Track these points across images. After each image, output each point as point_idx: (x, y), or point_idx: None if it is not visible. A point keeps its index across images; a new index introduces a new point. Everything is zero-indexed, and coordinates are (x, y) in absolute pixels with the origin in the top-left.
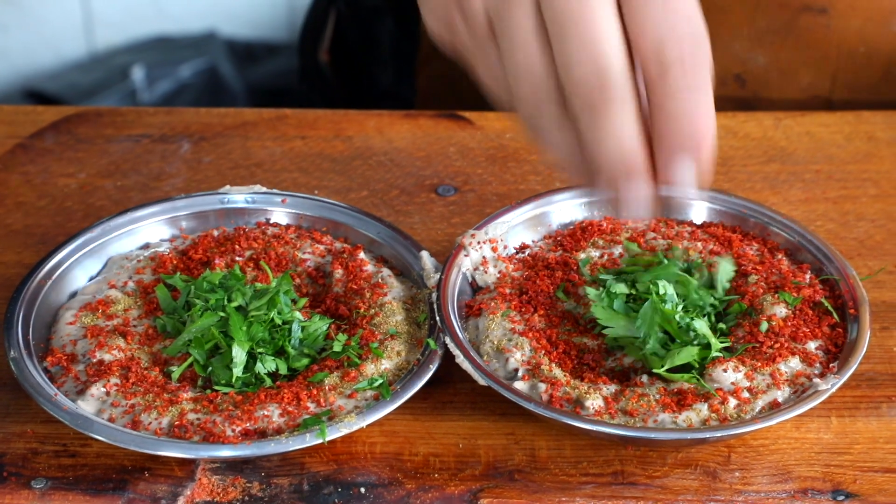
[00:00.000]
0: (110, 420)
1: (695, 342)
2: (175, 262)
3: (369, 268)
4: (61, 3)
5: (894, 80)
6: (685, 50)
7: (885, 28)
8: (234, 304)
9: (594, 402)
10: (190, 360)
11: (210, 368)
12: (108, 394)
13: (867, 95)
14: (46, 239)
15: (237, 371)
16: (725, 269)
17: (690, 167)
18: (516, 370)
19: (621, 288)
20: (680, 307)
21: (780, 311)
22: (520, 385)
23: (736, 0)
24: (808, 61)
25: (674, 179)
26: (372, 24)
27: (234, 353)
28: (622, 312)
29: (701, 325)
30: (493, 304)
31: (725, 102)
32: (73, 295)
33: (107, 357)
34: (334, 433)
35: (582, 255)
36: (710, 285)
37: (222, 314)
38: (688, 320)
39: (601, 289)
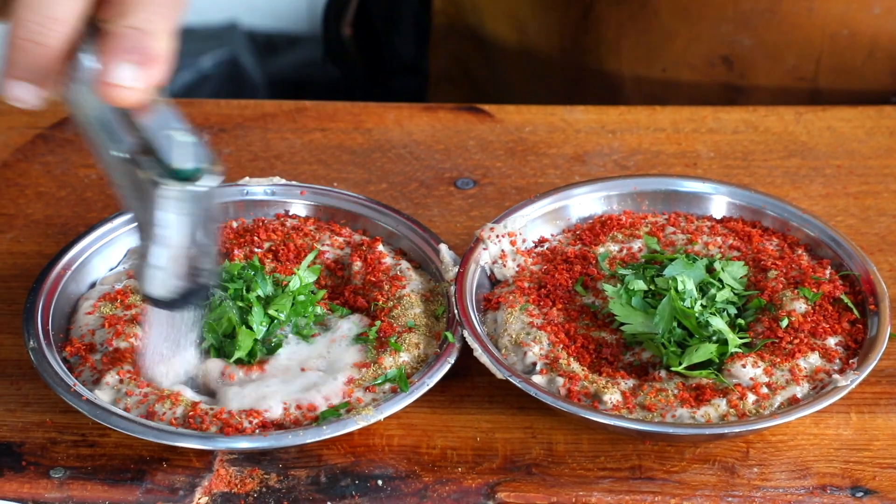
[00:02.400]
0: (126, 410)
1: (713, 338)
2: None
3: (388, 260)
4: None
5: (877, 63)
6: None
7: (866, 11)
8: (254, 293)
9: (612, 397)
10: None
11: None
12: (121, 381)
13: (851, 78)
14: (67, 229)
15: (258, 333)
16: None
17: (132, 71)
18: (534, 364)
19: (639, 284)
20: (698, 303)
21: (800, 306)
22: (538, 379)
23: None
24: (792, 44)
25: (113, 81)
26: None
27: (254, 313)
28: (640, 309)
29: (718, 322)
30: (511, 297)
31: (714, 85)
32: (93, 285)
33: (122, 345)
34: (352, 426)
35: (601, 250)
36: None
37: (241, 304)
38: (706, 316)
39: (619, 285)
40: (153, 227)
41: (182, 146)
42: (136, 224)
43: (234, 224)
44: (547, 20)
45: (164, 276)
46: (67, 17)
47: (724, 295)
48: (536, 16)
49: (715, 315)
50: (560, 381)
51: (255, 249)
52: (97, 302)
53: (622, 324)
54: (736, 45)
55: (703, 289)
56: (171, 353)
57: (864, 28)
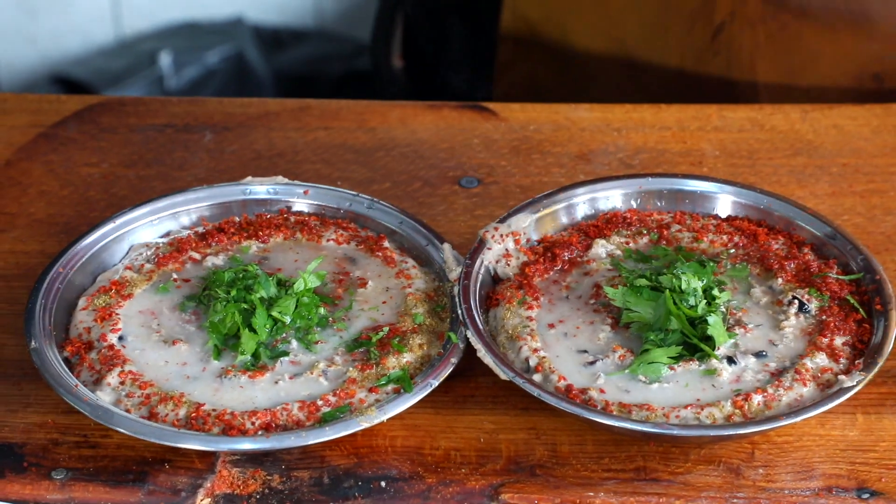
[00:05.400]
0: (127, 411)
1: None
2: (195, 244)
3: (395, 257)
4: None
5: None
6: None
7: None
8: (257, 295)
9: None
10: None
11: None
12: (122, 383)
13: None
14: (69, 228)
15: (261, 335)
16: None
17: None
18: (527, 359)
19: (643, 282)
20: (703, 302)
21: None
22: (535, 377)
23: None
24: None
25: None
26: (441, 24)
27: (257, 314)
28: (643, 299)
29: (715, 321)
30: (509, 293)
31: (864, 98)
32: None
33: (115, 341)
34: (355, 426)
35: (612, 245)
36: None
37: (245, 306)
38: (706, 313)
39: (621, 287)
40: None
41: None
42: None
43: (237, 219)
44: (665, 42)
45: None
46: None
47: (725, 296)
48: (649, 37)
49: (715, 314)
50: (554, 377)
51: (260, 244)
52: (91, 296)
53: (630, 322)
54: (888, 62)
55: (707, 290)
56: None
57: None
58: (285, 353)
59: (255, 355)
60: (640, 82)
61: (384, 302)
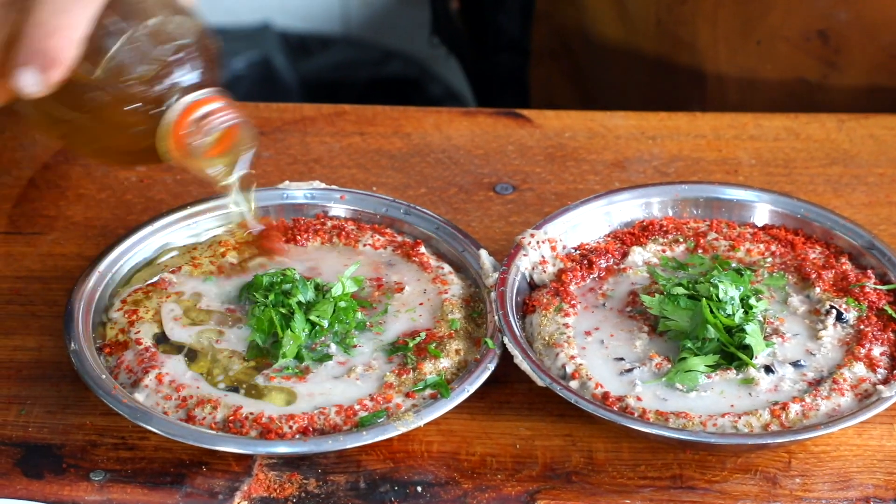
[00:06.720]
0: (164, 413)
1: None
2: (234, 245)
3: (432, 262)
4: None
5: None
6: None
7: None
8: (294, 299)
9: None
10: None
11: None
12: (160, 384)
13: None
14: (107, 231)
15: (301, 336)
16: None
17: (34, 76)
18: (564, 366)
19: (679, 290)
20: (739, 311)
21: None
22: (572, 384)
23: None
24: (890, 21)
25: (16, 86)
26: None
27: (295, 318)
28: (680, 307)
29: (753, 329)
30: (545, 299)
31: (808, 60)
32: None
33: (149, 342)
34: (392, 431)
35: (648, 253)
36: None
37: (283, 310)
38: (744, 322)
39: (658, 296)
40: None
41: None
42: None
43: (274, 223)
44: None
45: None
46: None
47: (762, 305)
48: None
49: (752, 323)
50: (591, 384)
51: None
52: (126, 297)
53: (666, 330)
54: (833, 20)
55: (744, 298)
56: None
57: None
58: (329, 357)
59: (298, 358)
60: (626, 20)
61: (421, 304)
